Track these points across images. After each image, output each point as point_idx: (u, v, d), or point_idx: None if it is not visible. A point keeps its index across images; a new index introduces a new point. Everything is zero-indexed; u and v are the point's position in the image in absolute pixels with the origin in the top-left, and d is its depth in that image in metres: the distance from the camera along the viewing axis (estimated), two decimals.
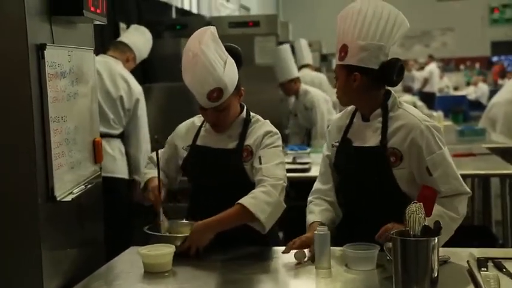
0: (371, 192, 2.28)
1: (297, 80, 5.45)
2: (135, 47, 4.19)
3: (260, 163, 2.33)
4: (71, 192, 2.08)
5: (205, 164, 2.44)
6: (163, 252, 2.16)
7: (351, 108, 2.40)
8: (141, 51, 4.25)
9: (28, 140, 1.88)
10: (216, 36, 2.30)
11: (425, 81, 14.76)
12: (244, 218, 2.23)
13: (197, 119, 2.56)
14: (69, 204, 2.07)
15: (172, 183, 2.62)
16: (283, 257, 2.24)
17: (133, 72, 4.15)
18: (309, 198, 2.44)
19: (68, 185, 2.07)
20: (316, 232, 2.12)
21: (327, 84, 7.08)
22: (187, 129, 2.55)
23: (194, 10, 8.68)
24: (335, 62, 2.32)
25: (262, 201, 2.23)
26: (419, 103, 8.89)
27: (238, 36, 5.27)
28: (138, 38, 4.26)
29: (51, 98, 1.95)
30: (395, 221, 2.03)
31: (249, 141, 2.40)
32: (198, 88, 2.29)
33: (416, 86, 14.67)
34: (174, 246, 2.17)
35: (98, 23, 2.28)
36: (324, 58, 9.93)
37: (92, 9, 2.11)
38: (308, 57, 7.10)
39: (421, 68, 15.41)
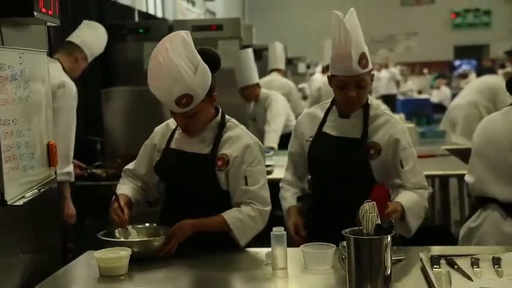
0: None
1: (257, 86, 5.35)
2: (85, 45, 3.87)
3: (246, 184, 2.31)
4: (23, 196, 2.04)
5: (178, 167, 2.38)
6: (119, 255, 2.13)
7: (315, 109, 2.64)
8: (92, 49, 3.93)
9: None
10: (187, 41, 2.22)
11: (398, 83, 15.07)
12: (224, 229, 2.30)
13: (171, 122, 2.49)
14: (21, 209, 2.03)
15: (152, 193, 2.56)
16: (243, 258, 2.25)
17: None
18: (280, 185, 2.69)
19: (19, 189, 2.03)
20: (272, 233, 2.12)
21: (296, 93, 7.01)
22: (162, 131, 2.49)
23: (159, 14, 8.63)
24: (357, 70, 2.39)
25: (247, 226, 2.30)
26: (383, 106, 8.98)
27: (202, 40, 5.15)
28: (89, 35, 3.94)
29: (0, 100, 1.91)
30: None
31: (227, 150, 2.34)
32: (164, 95, 2.23)
33: (382, 88, 14.79)
34: (130, 250, 2.15)
35: (50, 24, 2.25)
36: (289, 62, 9.97)
37: (44, 10, 2.07)
38: (280, 61, 7.05)
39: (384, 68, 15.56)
